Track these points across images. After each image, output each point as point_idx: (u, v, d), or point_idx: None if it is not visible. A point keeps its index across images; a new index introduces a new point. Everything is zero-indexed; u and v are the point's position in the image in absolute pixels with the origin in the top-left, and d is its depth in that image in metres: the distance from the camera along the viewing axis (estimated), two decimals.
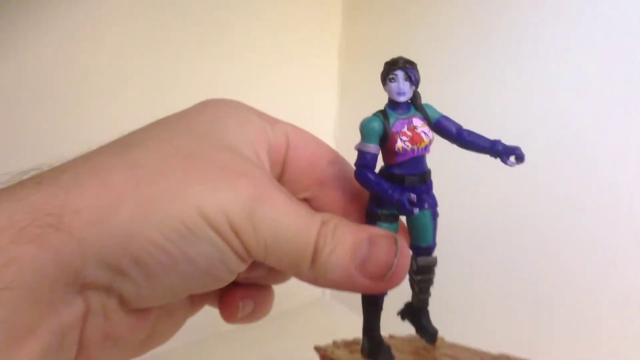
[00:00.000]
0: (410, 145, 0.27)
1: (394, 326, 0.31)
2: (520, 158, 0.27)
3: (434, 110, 0.29)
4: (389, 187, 0.27)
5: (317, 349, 0.32)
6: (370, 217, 0.29)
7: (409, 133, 0.27)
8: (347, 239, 0.25)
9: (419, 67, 0.27)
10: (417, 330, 0.31)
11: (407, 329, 0.32)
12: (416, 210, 0.26)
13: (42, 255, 0.20)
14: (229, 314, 0.32)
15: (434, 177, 0.29)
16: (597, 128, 0.51)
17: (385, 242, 0.25)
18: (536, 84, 0.56)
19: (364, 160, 0.27)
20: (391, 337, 0.32)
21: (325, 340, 0.33)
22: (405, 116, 0.28)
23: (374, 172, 0.28)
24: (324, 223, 0.25)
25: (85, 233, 0.21)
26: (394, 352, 0.29)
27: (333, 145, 0.32)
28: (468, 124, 0.29)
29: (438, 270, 0.30)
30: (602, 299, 0.51)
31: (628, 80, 0.49)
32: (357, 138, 0.28)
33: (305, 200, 0.32)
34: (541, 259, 0.56)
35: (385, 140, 0.27)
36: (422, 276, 0.30)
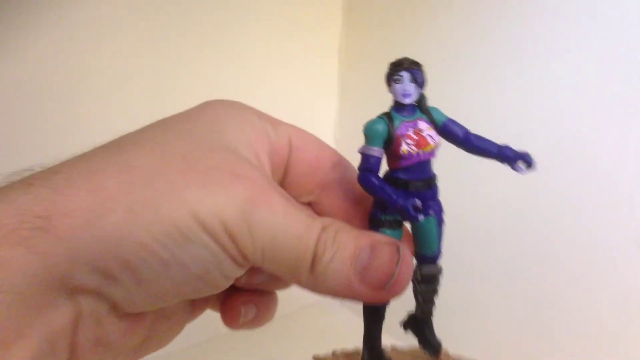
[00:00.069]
0: (415, 149, 0.25)
1: (396, 336, 0.29)
2: (530, 164, 0.25)
3: (441, 114, 0.26)
4: (393, 192, 0.25)
5: (317, 359, 0.30)
6: (373, 223, 0.26)
7: (414, 136, 0.25)
8: (348, 246, 0.23)
9: None
10: (420, 342, 0.29)
11: (410, 340, 0.30)
12: (421, 217, 0.24)
13: (31, 259, 0.19)
14: (230, 320, 0.30)
15: None
16: (597, 128, 0.50)
17: (387, 250, 0.23)
18: (536, 85, 0.55)
19: (368, 164, 0.25)
20: (393, 348, 0.30)
21: (326, 344, 0.32)
22: (411, 119, 0.25)
23: (378, 177, 0.25)
24: (325, 228, 0.23)
25: (74, 236, 0.20)
26: None
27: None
28: (468, 125, 0.27)
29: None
30: (602, 299, 0.50)
31: (628, 80, 0.47)
32: (357, 140, 0.26)
33: (309, 205, 0.30)
34: (541, 259, 0.55)
35: (390, 144, 0.25)
36: (426, 286, 0.28)
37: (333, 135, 0.79)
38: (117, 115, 0.56)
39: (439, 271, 0.27)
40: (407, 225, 0.27)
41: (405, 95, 0.25)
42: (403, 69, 0.25)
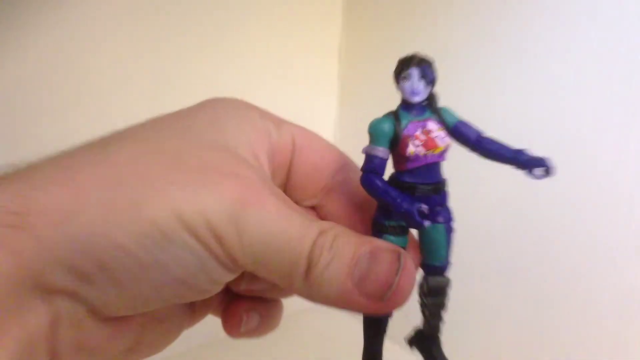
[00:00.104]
0: (423, 150, 0.23)
1: (401, 344, 0.27)
2: (548, 170, 0.23)
3: (452, 115, 0.24)
4: (398, 196, 0.22)
5: None
6: (376, 229, 0.24)
7: (422, 137, 0.23)
8: (346, 252, 0.21)
9: None
10: None
11: (415, 357, 0.28)
12: (427, 223, 0.22)
13: (3, 257, 0.18)
14: (231, 328, 0.28)
15: None
16: (597, 128, 0.49)
17: (387, 257, 0.21)
18: (536, 85, 0.54)
19: (371, 165, 0.23)
20: None
21: (327, 348, 0.29)
22: (419, 119, 0.23)
23: (382, 179, 0.23)
24: (322, 233, 0.21)
25: (49, 234, 0.18)
26: None
27: None
28: None
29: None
30: (602, 299, 0.49)
31: (628, 80, 0.47)
32: (357, 141, 0.24)
33: (313, 209, 0.28)
34: (541, 260, 0.54)
35: (396, 144, 0.23)
36: (433, 299, 0.25)
37: (333, 136, 0.78)
38: (117, 115, 0.54)
39: (446, 283, 0.25)
40: (415, 233, 0.25)
41: (413, 94, 0.23)
42: (412, 65, 0.23)
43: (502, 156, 0.24)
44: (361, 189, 0.24)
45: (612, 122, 0.48)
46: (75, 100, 0.54)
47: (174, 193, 0.20)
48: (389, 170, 0.24)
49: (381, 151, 0.23)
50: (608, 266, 0.48)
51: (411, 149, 0.22)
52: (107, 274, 0.19)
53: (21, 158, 0.22)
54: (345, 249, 0.21)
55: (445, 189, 0.24)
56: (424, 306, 0.26)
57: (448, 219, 0.24)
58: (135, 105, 0.57)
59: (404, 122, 0.23)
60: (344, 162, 0.27)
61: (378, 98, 0.67)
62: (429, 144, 0.23)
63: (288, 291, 0.27)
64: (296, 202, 0.28)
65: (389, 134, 0.23)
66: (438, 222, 0.24)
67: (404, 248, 0.24)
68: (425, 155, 0.23)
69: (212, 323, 0.29)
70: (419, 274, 0.25)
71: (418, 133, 0.23)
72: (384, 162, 0.23)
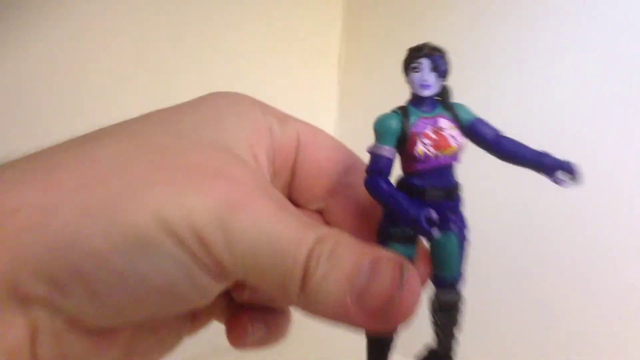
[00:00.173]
0: (433, 150, 0.20)
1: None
2: (573, 175, 0.20)
3: (468, 111, 0.21)
4: (404, 201, 0.20)
5: None
6: (381, 237, 0.22)
7: (432, 136, 0.20)
8: (346, 262, 0.18)
9: None
10: None
11: None
12: (435, 232, 0.19)
13: None
14: (236, 339, 0.26)
15: None
16: (597, 128, 0.48)
17: (388, 269, 0.18)
18: (536, 85, 0.53)
19: (376, 166, 0.20)
20: None
21: (330, 353, 0.26)
22: (430, 115, 0.20)
23: (388, 181, 0.21)
24: (320, 240, 0.18)
25: (20, 237, 0.17)
26: None
27: None
28: None
29: None
30: (603, 299, 0.48)
31: (628, 80, 0.46)
32: (357, 144, 0.21)
33: (319, 213, 0.25)
34: (541, 260, 0.52)
35: (404, 143, 0.20)
36: (444, 316, 0.22)
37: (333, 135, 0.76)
38: (117, 115, 0.54)
39: (458, 299, 0.22)
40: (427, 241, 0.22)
41: (423, 86, 0.20)
42: (423, 55, 0.20)
43: (522, 158, 0.21)
44: None
45: (612, 122, 0.47)
46: (75, 100, 0.53)
47: (155, 194, 0.17)
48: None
49: (387, 150, 0.20)
50: (608, 266, 0.47)
51: (420, 148, 0.20)
52: (82, 283, 0.17)
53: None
54: (345, 258, 0.18)
55: (459, 193, 0.21)
56: (435, 323, 0.23)
57: (461, 227, 0.21)
58: (135, 104, 0.55)
59: (412, 119, 0.20)
60: (353, 162, 0.25)
61: (379, 98, 0.67)
62: (440, 143, 0.20)
63: (286, 302, 0.25)
64: (302, 205, 0.25)
65: (396, 131, 0.20)
66: (450, 231, 0.21)
67: (412, 259, 0.22)
68: (436, 155, 0.20)
69: (214, 329, 0.27)
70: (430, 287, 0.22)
71: (428, 131, 0.20)
72: (390, 162, 0.20)
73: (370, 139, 0.21)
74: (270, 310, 0.26)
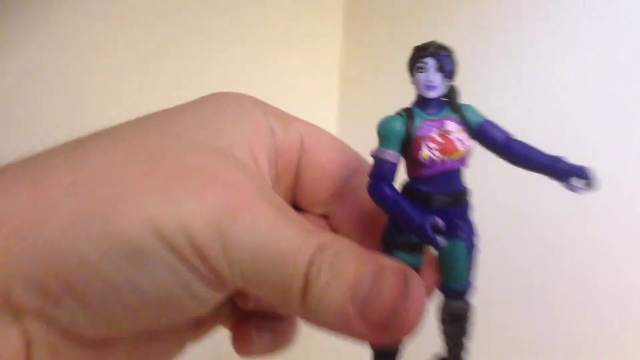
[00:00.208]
0: (439, 155, 0.19)
1: None
2: (589, 182, 0.19)
3: (476, 113, 0.20)
4: (409, 207, 0.19)
5: None
6: (386, 244, 0.20)
7: (438, 139, 0.19)
8: (348, 271, 0.17)
9: None
10: None
11: None
12: (442, 241, 0.18)
13: None
14: (241, 347, 0.25)
15: None
16: (597, 128, 0.48)
17: (391, 279, 0.17)
18: (536, 85, 0.52)
19: (380, 171, 0.19)
20: None
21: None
22: (436, 117, 0.19)
23: (392, 187, 0.19)
24: (321, 248, 0.17)
25: (10, 246, 0.16)
26: None
27: None
28: None
29: None
30: (603, 299, 0.47)
31: (628, 80, 0.46)
32: (359, 145, 0.20)
33: (324, 217, 0.24)
34: (541, 260, 0.52)
35: (408, 147, 0.19)
36: (453, 326, 0.21)
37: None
38: (118, 116, 0.54)
39: (467, 309, 0.21)
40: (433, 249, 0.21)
41: (429, 88, 0.19)
42: (428, 54, 0.19)
43: (535, 163, 0.19)
44: None
45: (612, 122, 0.47)
46: (75, 101, 0.53)
47: (149, 200, 0.17)
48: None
49: (391, 155, 0.19)
50: (608, 266, 0.47)
51: (425, 152, 0.19)
52: (73, 294, 0.16)
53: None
54: (347, 267, 0.17)
55: (468, 199, 0.20)
56: (444, 333, 0.22)
57: (470, 234, 0.20)
58: (135, 104, 0.54)
59: (417, 121, 0.19)
60: (358, 164, 0.23)
61: (381, 99, 0.66)
62: (446, 147, 0.19)
63: (287, 312, 0.24)
64: (306, 209, 0.24)
65: (400, 134, 0.19)
66: (458, 238, 0.20)
67: (418, 267, 0.20)
68: (442, 160, 0.19)
69: (218, 336, 0.26)
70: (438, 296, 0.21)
71: (434, 134, 0.19)
72: (394, 167, 0.19)
73: (372, 141, 0.20)
74: (276, 317, 0.25)
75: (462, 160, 0.19)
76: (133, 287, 0.17)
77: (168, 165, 0.18)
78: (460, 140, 0.19)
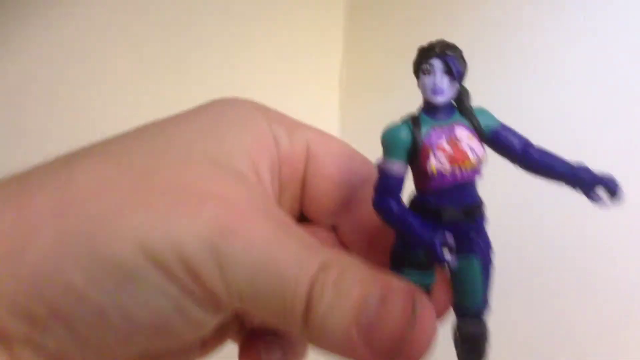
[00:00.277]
0: (448, 165, 0.17)
1: None
2: (614, 193, 0.17)
3: (490, 117, 0.18)
4: (416, 223, 0.17)
5: None
6: (395, 261, 0.19)
7: (447, 148, 0.17)
8: (353, 292, 0.16)
9: None
10: None
11: None
12: (452, 260, 0.16)
13: None
14: None
15: None
16: (597, 128, 0.47)
17: (398, 301, 0.16)
18: (536, 85, 0.52)
19: (385, 184, 0.17)
20: None
21: None
22: (445, 124, 0.17)
23: (399, 201, 0.17)
24: (324, 267, 0.16)
25: None
26: None
27: None
28: None
29: None
30: (603, 299, 0.47)
31: (629, 80, 0.45)
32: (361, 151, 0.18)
33: (334, 229, 0.22)
34: (541, 260, 0.51)
35: (415, 157, 0.17)
36: (468, 348, 0.19)
37: None
38: (118, 117, 0.53)
39: (483, 330, 0.19)
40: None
41: (436, 92, 0.17)
42: (434, 55, 0.17)
43: (555, 172, 0.17)
44: None
45: (612, 122, 0.46)
46: (75, 101, 0.53)
47: (138, 219, 0.15)
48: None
49: (396, 166, 0.17)
50: (608, 266, 0.46)
51: (433, 163, 0.17)
52: (60, 320, 0.15)
53: (21, 160, 0.19)
54: (351, 288, 0.16)
55: (482, 212, 0.18)
56: (459, 355, 0.20)
57: (485, 250, 0.18)
58: (136, 106, 0.54)
59: (424, 128, 0.17)
60: (369, 173, 0.21)
61: (383, 103, 0.64)
62: (456, 156, 0.17)
63: (289, 333, 0.22)
64: (315, 221, 0.23)
65: (407, 143, 0.17)
66: (472, 254, 0.18)
67: (429, 286, 0.19)
68: (452, 171, 0.17)
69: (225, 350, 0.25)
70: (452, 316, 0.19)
71: (442, 142, 0.17)
72: (400, 179, 0.17)
73: (375, 150, 0.18)
74: (285, 334, 0.24)
75: (475, 170, 0.17)
76: (123, 313, 0.15)
77: (160, 181, 0.17)
78: (471, 148, 0.17)
